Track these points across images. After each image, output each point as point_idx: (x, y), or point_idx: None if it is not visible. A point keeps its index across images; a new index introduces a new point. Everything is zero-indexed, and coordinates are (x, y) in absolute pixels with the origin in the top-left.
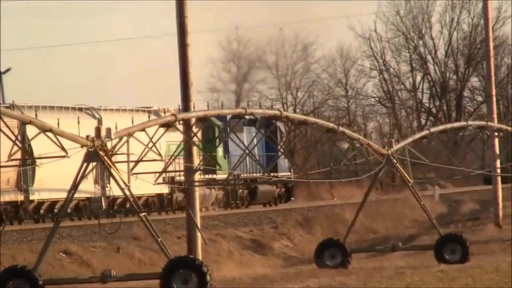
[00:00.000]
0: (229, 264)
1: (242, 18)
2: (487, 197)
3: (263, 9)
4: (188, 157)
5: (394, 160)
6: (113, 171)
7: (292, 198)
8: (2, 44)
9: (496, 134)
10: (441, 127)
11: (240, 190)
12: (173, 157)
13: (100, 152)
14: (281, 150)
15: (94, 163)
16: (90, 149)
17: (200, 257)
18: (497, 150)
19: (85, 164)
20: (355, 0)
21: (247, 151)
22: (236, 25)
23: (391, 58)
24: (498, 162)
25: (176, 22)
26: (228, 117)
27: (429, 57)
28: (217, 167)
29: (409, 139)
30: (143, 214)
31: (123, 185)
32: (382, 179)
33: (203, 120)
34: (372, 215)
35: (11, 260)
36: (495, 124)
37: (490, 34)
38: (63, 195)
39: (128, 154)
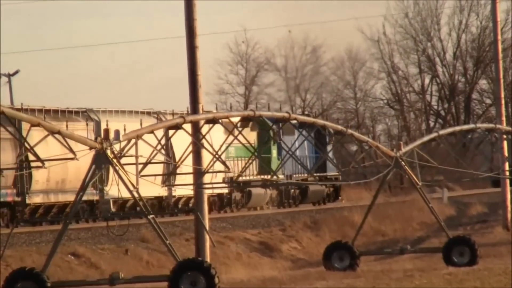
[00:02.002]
0: (237, 267)
1: (250, 20)
2: (496, 200)
3: (271, 11)
4: (197, 159)
5: (402, 162)
6: (121, 173)
7: (340, 198)
8: (12, 47)
9: (504, 136)
10: (449, 130)
11: (292, 190)
12: (180, 160)
13: (109, 154)
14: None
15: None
16: (99, 152)
17: (208, 259)
18: (506, 153)
19: (93, 166)
20: (364, 2)
21: (291, 153)
22: (244, 27)
23: (399, 60)
24: (506, 165)
25: (184, 24)
26: None
27: (437, 59)
28: (224, 168)
29: (418, 142)
30: (151, 216)
31: (131, 187)
32: (390, 181)
33: (252, 119)
34: (380, 218)
35: (19, 262)
36: (504, 126)
37: (499, 37)
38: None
39: (136, 157)
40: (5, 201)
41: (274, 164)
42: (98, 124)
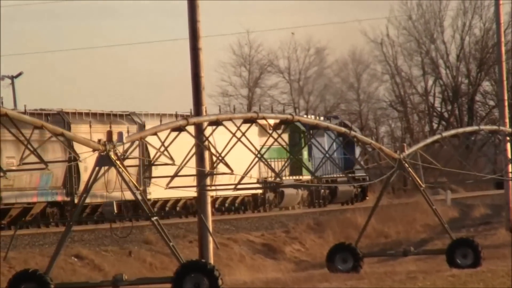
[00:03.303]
0: (241, 268)
1: (254, 22)
2: (499, 202)
3: (275, 13)
4: (200, 161)
5: (406, 164)
6: (125, 175)
7: (367, 198)
8: (16, 49)
9: (508, 138)
10: (453, 132)
11: (322, 190)
12: (184, 162)
13: (112, 156)
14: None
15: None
16: (102, 153)
17: (211, 261)
18: (509, 155)
19: (97, 168)
20: (367, 4)
21: (329, 155)
22: (247, 29)
23: (403, 62)
24: (510, 167)
25: (188, 26)
26: None
27: (441, 61)
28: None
29: (421, 144)
30: (155, 218)
31: (134, 189)
32: (394, 183)
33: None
34: (384, 220)
35: (22, 264)
36: (507, 128)
37: (502, 39)
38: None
39: (140, 159)
40: (55, 201)
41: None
42: (141, 126)
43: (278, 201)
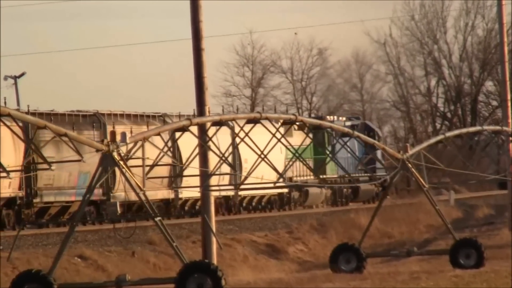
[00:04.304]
0: (244, 269)
1: (256, 22)
2: (502, 202)
3: (278, 13)
4: (203, 161)
5: (409, 164)
6: (128, 175)
7: (388, 197)
8: (18, 49)
9: (511, 138)
10: (456, 132)
11: (345, 189)
12: (186, 162)
13: (116, 156)
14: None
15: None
16: (105, 154)
17: (215, 261)
18: None
19: (100, 168)
20: (370, 4)
21: (359, 158)
22: (250, 29)
23: (405, 62)
24: None
25: (190, 26)
26: (335, 123)
27: (443, 61)
28: (233, 171)
29: (424, 144)
30: (158, 218)
31: (138, 190)
32: (397, 183)
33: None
34: (387, 220)
35: (26, 265)
36: (510, 128)
37: (505, 39)
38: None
39: (143, 159)
40: (92, 199)
41: (328, 165)
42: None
43: (303, 199)
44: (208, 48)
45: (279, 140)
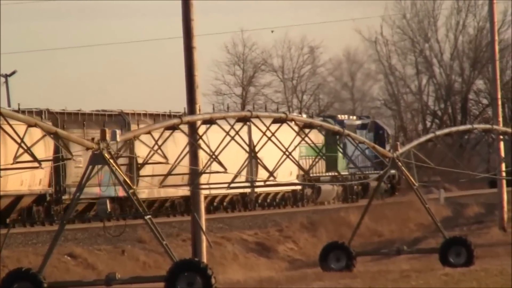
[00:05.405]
0: (234, 267)
1: (247, 21)
2: (492, 201)
3: (269, 11)
4: (194, 159)
5: (399, 163)
6: (118, 173)
7: (396, 193)
8: (10, 47)
9: (501, 137)
10: (446, 130)
11: (355, 186)
12: (178, 160)
13: (106, 155)
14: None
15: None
16: (95, 152)
17: (205, 260)
18: (502, 153)
19: (90, 167)
20: (361, 3)
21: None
22: (241, 27)
23: (397, 61)
24: (503, 165)
25: (182, 24)
26: (346, 122)
27: (434, 60)
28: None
29: (414, 142)
30: (148, 217)
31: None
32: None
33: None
34: (377, 218)
35: (15, 263)
36: (500, 127)
37: (496, 37)
38: None
39: (135, 157)
40: (117, 196)
41: (340, 163)
42: None
43: (315, 196)
44: (199, 47)
45: (302, 138)
